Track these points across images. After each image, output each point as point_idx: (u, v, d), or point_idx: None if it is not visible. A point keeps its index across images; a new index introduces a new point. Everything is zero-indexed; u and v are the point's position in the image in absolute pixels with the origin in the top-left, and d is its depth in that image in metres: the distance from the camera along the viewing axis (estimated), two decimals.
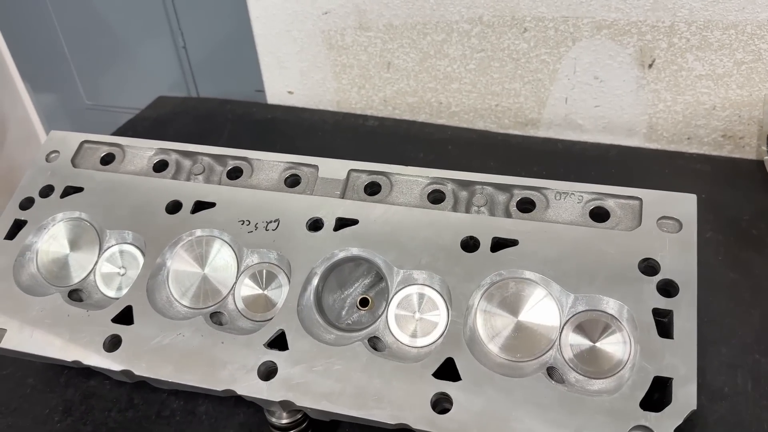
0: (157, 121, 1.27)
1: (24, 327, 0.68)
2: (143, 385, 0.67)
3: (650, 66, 1.01)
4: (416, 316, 0.64)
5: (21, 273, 0.72)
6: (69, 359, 0.65)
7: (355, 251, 0.67)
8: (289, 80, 1.28)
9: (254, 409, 0.69)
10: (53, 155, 0.80)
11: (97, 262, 0.73)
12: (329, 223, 0.69)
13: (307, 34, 1.20)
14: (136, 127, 1.25)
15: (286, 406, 0.60)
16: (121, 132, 1.23)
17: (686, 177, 0.99)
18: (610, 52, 1.02)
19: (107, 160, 0.80)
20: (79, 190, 0.76)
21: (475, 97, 1.15)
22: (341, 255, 0.67)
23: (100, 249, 0.73)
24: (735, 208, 0.91)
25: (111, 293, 0.72)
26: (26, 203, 0.76)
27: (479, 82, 1.13)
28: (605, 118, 1.10)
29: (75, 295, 0.72)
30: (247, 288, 0.69)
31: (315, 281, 0.66)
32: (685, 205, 0.63)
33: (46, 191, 0.77)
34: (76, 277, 0.73)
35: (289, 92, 1.30)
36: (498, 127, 1.18)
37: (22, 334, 0.67)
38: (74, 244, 0.74)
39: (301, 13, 1.18)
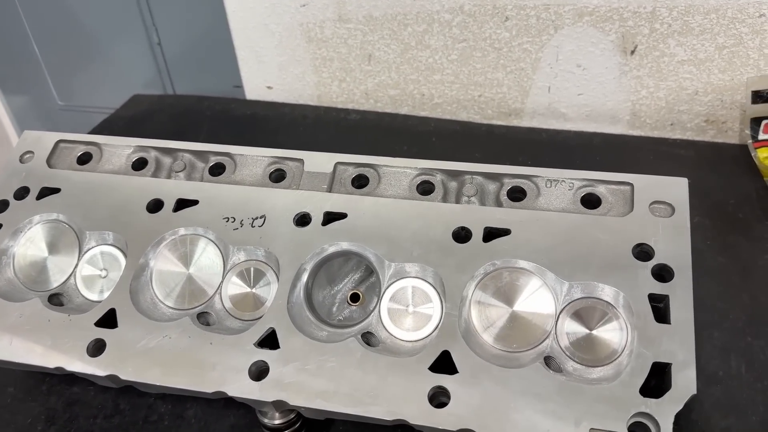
0: (133, 120, 1.25)
1: (2, 334, 0.65)
2: (129, 390, 0.65)
3: (632, 52, 1.01)
4: (410, 310, 0.62)
5: None
6: (51, 366, 0.63)
7: (345, 245, 0.65)
8: (267, 75, 1.26)
9: (245, 410, 0.67)
10: (27, 156, 0.77)
11: (77, 265, 0.71)
12: (317, 217, 0.67)
13: (285, 27, 1.18)
14: (111, 127, 1.22)
15: (279, 406, 0.58)
16: (96, 132, 1.19)
17: (670, 163, 0.99)
18: (592, 39, 1.02)
19: (84, 159, 0.78)
20: (56, 191, 0.74)
21: (457, 88, 1.14)
22: (331, 250, 0.65)
23: (79, 251, 0.71)
24: (720, 192, 0.91)
25: (93, 296, 0.70)
26: (0, 206, 0.74)
27: (461, 73, 1.12)
28: (588, 106, 1.10)
29: (55, 300, 0.70)
30: (235, 286, 0.67)
31: (305, 277, 0.64)
32: (676, 189, 0.63)
33: (21, 193, 0.74)
34: (56, 280, 0.71)
35: (268, 87, 1.28)
36: (481, 117, 1.17)
37: (0, 341, 0.65)
38: (53, 247, 0.72)
39: (278, 5, 1.16)
